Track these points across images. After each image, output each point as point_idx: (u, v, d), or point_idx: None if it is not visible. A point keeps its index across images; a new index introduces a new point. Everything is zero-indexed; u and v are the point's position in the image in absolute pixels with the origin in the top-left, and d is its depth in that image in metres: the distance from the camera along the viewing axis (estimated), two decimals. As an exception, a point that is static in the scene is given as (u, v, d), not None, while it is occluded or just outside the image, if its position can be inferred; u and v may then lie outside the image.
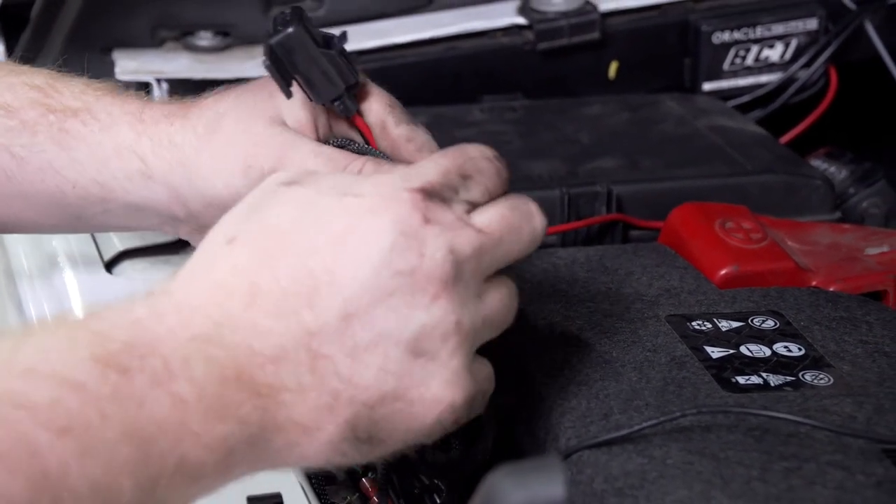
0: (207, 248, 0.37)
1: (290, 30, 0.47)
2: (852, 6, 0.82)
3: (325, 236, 0.36)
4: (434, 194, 0.38)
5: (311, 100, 0.49)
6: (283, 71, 0.48)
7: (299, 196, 0.37)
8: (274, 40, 0.48)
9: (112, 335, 0.33)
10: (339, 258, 0.36)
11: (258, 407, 0.34)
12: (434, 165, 0.39)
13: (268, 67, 0.48)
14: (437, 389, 0.37)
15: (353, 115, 0.50)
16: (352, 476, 0.51)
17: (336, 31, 0.81)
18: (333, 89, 0.49)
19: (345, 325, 0.35)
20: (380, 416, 0.36)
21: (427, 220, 0.37)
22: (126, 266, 0.61)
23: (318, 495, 0.46)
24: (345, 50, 0.50)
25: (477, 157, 0.40)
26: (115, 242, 0.62)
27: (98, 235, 0.63)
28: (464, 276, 0.37)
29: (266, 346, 0.35)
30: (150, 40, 0.77)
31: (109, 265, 0.61)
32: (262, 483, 0.42)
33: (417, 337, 0.36)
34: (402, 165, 0.42)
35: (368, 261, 0.36)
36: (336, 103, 0.49)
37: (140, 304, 0.35)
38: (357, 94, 0.51)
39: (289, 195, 0.38)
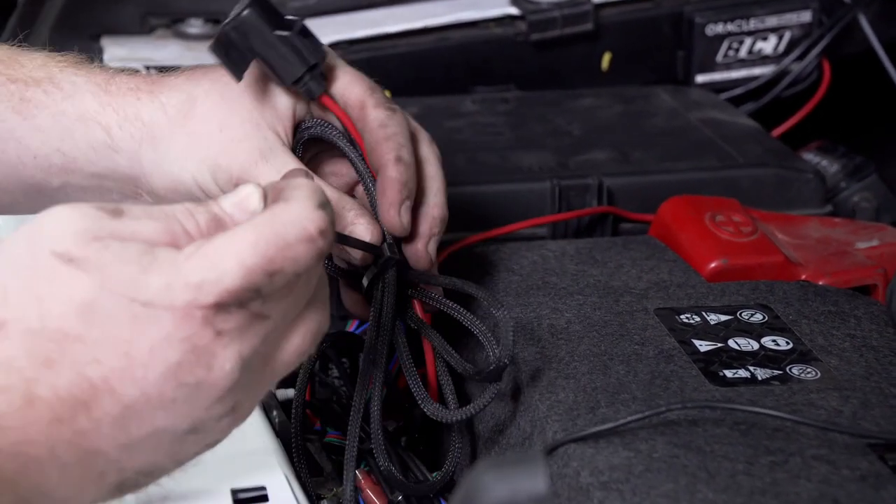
0: None
1: (244, 13, 0.47)
2: (846, -1, 0.82)
3: (108, 346, 0.34)
4: (230, 304, 0.35)
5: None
6: (239, 56, 0.48)
7: (82, 289, 0.35)
8: (228, 26, 0.47)
9: None
10: (121, 369, 0.35)
11: (13, 502, 0.34)
12: (237, 266, 0.35)
13: (215, 53, 0.48)
14: (205, 446, 0.37)
15: (318, 97, 0.50)
16: (340, 469, 0.51)
17: (328, 20, 0.81)
18: (293, 71, 0.48)
19: (120, 427, 0.35)
20: (147, 476, 0.37)
21: (218, 334, 0.35)
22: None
23: (304, 488, 0.46)
24: (306, 29, 0.49)
25: (294, 243, 0.36)
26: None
27: None
28: (252, 365, 0.36)
29: (35, 451, 0.34)
30: (140, 27, 0.77)
31: None
32: (247, 476, 0.42)
33: (193, 428, 0.36)
34: (200, 257, 0.35)
35: (153, 374, 0.35)
36: (299, 85, 0.49)
37: None
38: (330, 77, 0.50)
39: (70, 283, 0.35)
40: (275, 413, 0.50)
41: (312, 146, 0.52)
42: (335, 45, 0.77)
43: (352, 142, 0.50)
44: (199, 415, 0.36)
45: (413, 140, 0.51)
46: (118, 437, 0.35)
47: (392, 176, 0.49)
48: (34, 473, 0.34)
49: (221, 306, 0.35)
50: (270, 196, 0.38)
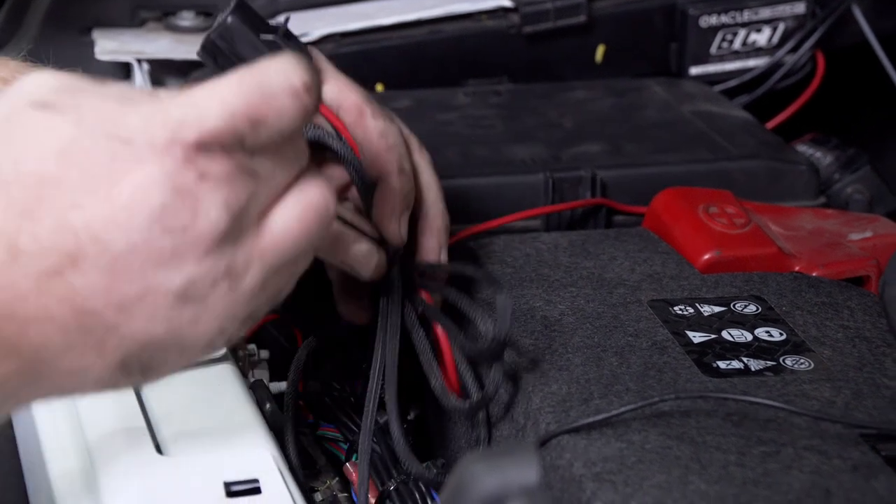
0: None
1: (228, 20, 0.47)
2: (840, -10, 0.82)
3: (88, 188, 0.33)
4: (212, 146, 0.33)
5: None
6: (226, 61, 0.48)
7: (58, 130, 0.33)
8: (213, 33, 0.47)
9: None
10: (104, 214, 0.33)
11: (20, 370, 0.33)
12: (219, 106, 0.34)
13: (203, 60, 0.48)
14: (206, 326, 0.35)
15: None
16: (333, 461, 0.51)
17: (320, 12, 0.81)
18: None
19: (111, 282, 0.33)
20: (151, 354, 0.35)
21: (202, 177, 0.33)
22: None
23: (297, 481, 0.46)
24: (290, 33, 0.49)
25: (279, 92, 0.34)
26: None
27: None
28: (242, 221, 0.35)
29: (28, 309, 0.32)
30: (131, 20, 0.76)
31: None
32: (239, 468, 0.42)
33: (186, 287, 0.34)
34: (182, 97, 0.34)
35: (137, 218, 0.33)
36: None
37: None
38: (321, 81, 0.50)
39: (45, 125, 0.33)
40: (268, 406, 0.49)
41: None
42: (327, 38, 0.77)
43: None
44: (191, 270, 0.34)
45: (406, 148, 0.51)
46: (110, 294, 0.33)
47: (395, 187, 0.49)
48: (34, 335, 0.33)
49: (203, 146, 0.33)
50: None
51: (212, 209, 0.34)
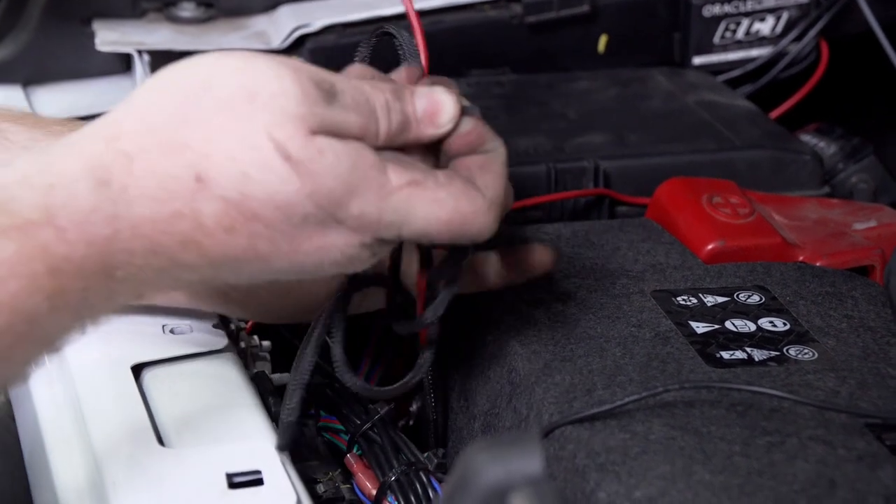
0: None
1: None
2: (844, -21, 0.81)
3: (281, 244, 0.39)
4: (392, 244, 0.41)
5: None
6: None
7: (290, 192, 0.38)
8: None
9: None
10: (282, 256, 0.40)
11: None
12: (418, 231, 0.40)
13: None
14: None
15: None
16: (335, 452, 0.51)
17: (322, 3, 0.80)
18: None
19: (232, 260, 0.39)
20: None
21: (373, 255, 0.41)
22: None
23: (300, 472, 0.46)
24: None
25: (464, 238, 0.41)
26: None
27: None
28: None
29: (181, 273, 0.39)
30: (132, 11, 0.76)
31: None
32: (242, 460, 0.42)
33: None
34: (410, 198, 0.40)
35: (306, 262, 0.40)
36: None
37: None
38: None
39: (280, 181, 0.38)
40: (270, 398, 0.49)
41: None
42: (329, 29, 0.77)
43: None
44: (307, 277, 0.41)
45: None
46: (245, 276, 0.40)
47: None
48: (150, 291, 0.40)
49: (388, 242, 0.40)
50: (467, 136, 0.41)
51: (360, 266, 0.41)
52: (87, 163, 0.37)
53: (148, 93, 0.39)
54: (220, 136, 0.37)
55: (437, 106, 0.41)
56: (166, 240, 0.37)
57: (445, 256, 0.45)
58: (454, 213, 0.40)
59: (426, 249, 0.47)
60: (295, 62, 0.39)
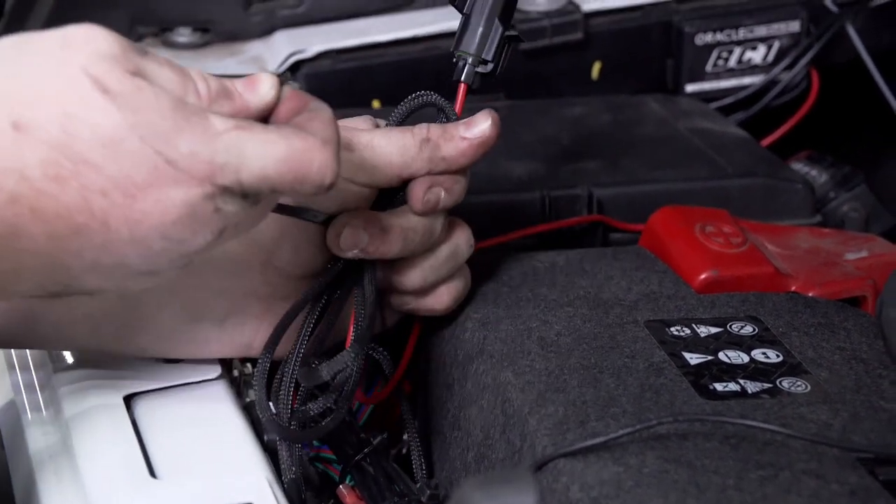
0: None
1: None
2: (834, 9, 0.82)
3: (119, 184, 0.38)
4: (237, 193, 0.39)
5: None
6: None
7: (112, 123, 0.37)
8: None
9: None
10: (122, 210, 0.38)
11: None
12: (259, 171, 0.39)
13: None
14: (153, 283, 0.42)
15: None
16: (327, 482, 0.51)
17: (317, 29, 0.80)
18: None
19: (95, 255, 0.38)
20: (84, 291, 0.40)
21: (216, 210, 0.39)
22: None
23: (290, 500, 0.46)
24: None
25: (308, 178, 0.39)
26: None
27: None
28: (223, 238, 0.40)
29: (20, 258, 0.38)
30: (128, 36, 0.76)
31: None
32: (233, 492, 0.42)
33: (154, 271, 0.40)
34: (233, 136, 0.39)
35: (148, 222, 0.38)
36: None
37: None
38: None
39: (102, 111, 0.37)
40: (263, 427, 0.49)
41: None
42: (324, 55, 0.77)
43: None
44: (163, 264, 0.39)
45: None
46: (90, 262, 0.38)
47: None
48: (9, 277, 0.38)
49: (230, 190, 0.38)
50: (290, 101, 0.41)
51: (209, 234, 0.39)
52: None
53: None
54: (35, 80, 0.36)
55: (255, 77, 0.41)
56: None
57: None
58: (289, 150, 0.39)
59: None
60: None
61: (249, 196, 0.39)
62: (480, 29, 0.52)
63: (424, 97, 0.51)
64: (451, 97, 0.79)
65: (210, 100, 0.39)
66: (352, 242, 0.48)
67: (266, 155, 0.38)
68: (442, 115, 0.52)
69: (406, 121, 0.51)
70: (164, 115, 0.37)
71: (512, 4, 0.53)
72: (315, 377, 0.46)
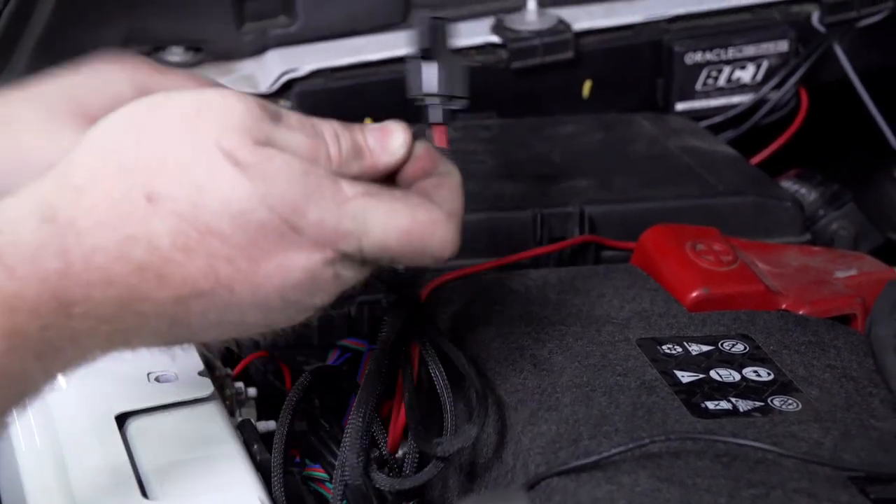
0: None
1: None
2: (822, 29, 0.83)
3: (246, 253, 0.39)
4: (357, 260, 0.40)
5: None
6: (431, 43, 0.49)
7: (242, 196, 0.38)
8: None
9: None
10: (247, 276, 0.39)
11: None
12: (381, 242, 0.40)
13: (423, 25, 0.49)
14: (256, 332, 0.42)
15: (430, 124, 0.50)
16: (320, 501, 0.51)
17: (310, 48, 0.81)
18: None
19: (217, 316, 0.39)
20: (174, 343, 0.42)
21: (336, 276, 0.40)
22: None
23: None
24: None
25: (429, 253, 0.41)
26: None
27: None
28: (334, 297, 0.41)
29: (143, 321, 0.38)
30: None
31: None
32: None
33: (266, 325, 0.41)
34: (358, 205, 0.40)
35: (270, 286, 0.39)
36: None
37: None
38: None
39: (232, 183, 0.38)
40: (255, 447, 0.49)
41: None
42: (317, 73, 0.78)
43: None
44: (280, 321, 0.40)
45: None
46: (212, 321, 0.39)
47: None
48: (130, 334, 0.38)
49: (350, 258, 0.39)
50: (421, 160, 0.42)
51: (326, 296, 0.40)
52: (33, 202, 0.37)
53: (100, 126, 0.39)
54: (168, 151, 0.37)
55: (388, 133, 0.41)
56: (121, 268, 0.36)
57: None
58: (412, 222, 0.40)
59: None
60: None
61: (368, 263, 0.40)
62: (445, 70, 0.49)
63: None
64: (455, 115, 0.79)
65: (341, 162, 0.40)
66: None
67: (390, 226, 0.39)
68: None
69: None
70: (294, 183, 0.38)
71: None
72: (437, 452, 0.46)
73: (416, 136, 0.42)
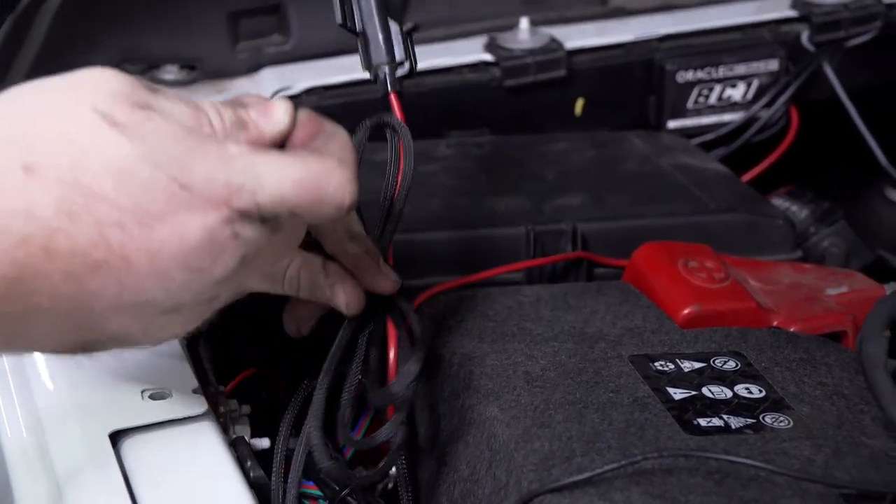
0: None
1: None
2: (811, 48, 0.84)
3: (135, 215, 0.37)
4: (254, 216, 0.39)
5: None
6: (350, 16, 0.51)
7: (122, 154, 0.37)
8: None
9: None
10: (140, 241, 0.38)
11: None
12: (277, 189, 0.39)
13: None
14: (179, 325, 0.41)
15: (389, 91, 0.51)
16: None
17: (304, 66, 0.81)
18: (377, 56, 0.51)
19: (117, 292, 0.38)
20: (114, 341, 0.40)
21: (235, 235, 0.38)
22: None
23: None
24: (411, 36, 0.52)
25: (327, 202, 0.40)
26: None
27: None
28: (245, 266, 0.40)
29: (38, 300, 0.37)
30: (115, 73, 0.77)
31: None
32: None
33: (178, 306, 0.40)
34: (248, 159, 0.38)
35: (167, 251, 0.38)
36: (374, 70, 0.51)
37: None
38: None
39: (111, 144, 0.37)
40: (249, 463, 0.49)
41: None
42: (310, 91, 0.78)
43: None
44: (186, 298, 0.38)
45: None
46: (112, 300, 0.37)
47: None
48: (25, 321, 0.36)
49: (247, 214, 0.38)
50: (305, 126, 0.41)
51: (231, 261, 0.38)
52: None
53: None
54: (45, 122, 0.36)
55: (270, 104, 0.41)
56: (6, 243, 0.35)
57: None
58: (305, 171, 0.39)
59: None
60: None
61: (268, 220, 0.39)
62: (380, 35, 0.52)
63: (375, 119, 0.51)
64: (436, 133, 0.80)
65: (225, 132, 0.39)
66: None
67: (282, 176, 0.38)
68: (394, 133, 0.51)
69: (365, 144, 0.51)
70: (177, 141, 0.37)
71: (394, 3, 0.54)
72: (391, 398, 0.46)
73: (296, 106, 0.42)
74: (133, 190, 0.36)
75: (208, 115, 0.39)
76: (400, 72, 0.52)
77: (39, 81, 0.38)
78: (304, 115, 0.42)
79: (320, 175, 0.39)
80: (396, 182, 0.49)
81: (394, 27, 0.52)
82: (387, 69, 0.52)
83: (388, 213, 0.49)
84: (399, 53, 0.52)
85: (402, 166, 0.49)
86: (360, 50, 0.53)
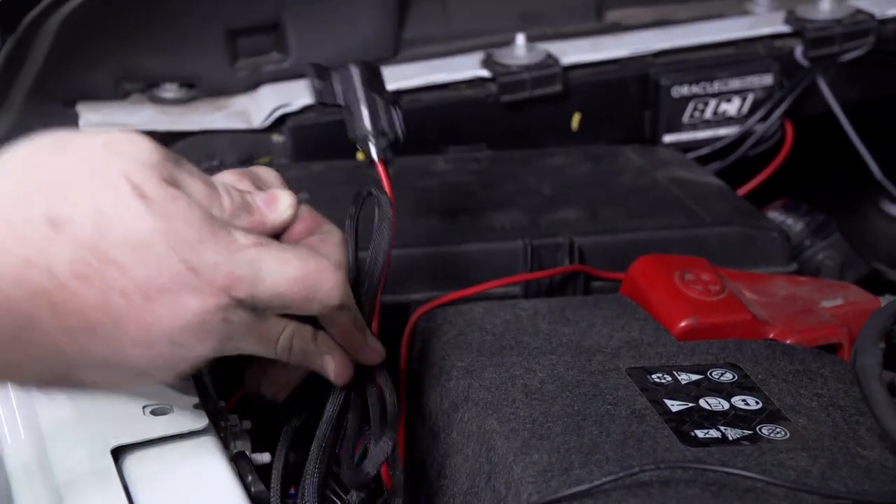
0: None
1: (352, 67, 0.54)
2: (805, 63, 0.85)
3: (142, 286, 0.39)
4: (247, 306, 0.41)
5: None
6: (328, 94, 0.54)
7: (145, 228, 0.39)
8: (333, 70, 0.53)
9: None
10: (139, 312, 0.40)
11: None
12: (272, 289, 0.41)
13: (310, 79, 0.53)
14: (143, 383, 0.45)
15: (375, 161, 0.52)
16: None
17: (302, 83, 0.82)
18: (363, 127, 0.53)
19: (104, 352, 0.40)
20: (75, 387, 0.42)
21: (224, 321, 0.40)
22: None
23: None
24: (397, 105, 0.54)
25: (321, 303, 0.42)
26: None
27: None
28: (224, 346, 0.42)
29: (33, 350, 0.38)
30: (115, 92, 0.77)
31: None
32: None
33: (147, 371, 0.41)
34: (252, 253, 0.41)
35: (160, 326, 0.40)
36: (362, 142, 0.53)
37: None
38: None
39: (136, 216, 0.39)
40: (249, 478, 0.49)
41: None
42: (309, 108, 0.79)
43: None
44: (159, 365, 0.40)
45: None
46: (95, 357, 0.39)
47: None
48: (13, 367, 0.38)
49: (242, 304, 0.40)
50: (305, 221, 0.44)
51: (213, 342, 0.40)
52: None
53: (5, 153, 0.39)
54: (76, 179, 0.38)
55: (275, 195, 0.44)
56: (18, 294, 0.36)
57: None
58: (302, 269, 0.41)
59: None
60: None
61: (258, 310, 0.41)
62: (365, 111, 0.53)
63: (363, 192, 0.51)
64: (433, 149, 0.80)
65: (232, 213, 0.41)
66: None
67: (281, 273, 0.40)
68: (378, 206, 0.51)
69: (359, 217, 0.51)
70: (194, 225, 0.39)
71: (376, 73, 0.55)
72: (364, 477, 0.46)
73: (299, 201, 0.45)
74: (146, 263, 0.38)
75: (220, 196, 0.41)
76: (385, 141, 0.53)
77: (73, 133, 0.40)
78: (305, 210, 0.45)
79: (315, 276, 0.42)
80: (379, 255, 0.49)
81: (378, 100, 0.54)
82: (371, 141, 0.53)
83: (373, 286, 0.49)
84: (384, 125, 0.54)
85: (387, 238, 0.49)
86: (345, 120, 0.54)
